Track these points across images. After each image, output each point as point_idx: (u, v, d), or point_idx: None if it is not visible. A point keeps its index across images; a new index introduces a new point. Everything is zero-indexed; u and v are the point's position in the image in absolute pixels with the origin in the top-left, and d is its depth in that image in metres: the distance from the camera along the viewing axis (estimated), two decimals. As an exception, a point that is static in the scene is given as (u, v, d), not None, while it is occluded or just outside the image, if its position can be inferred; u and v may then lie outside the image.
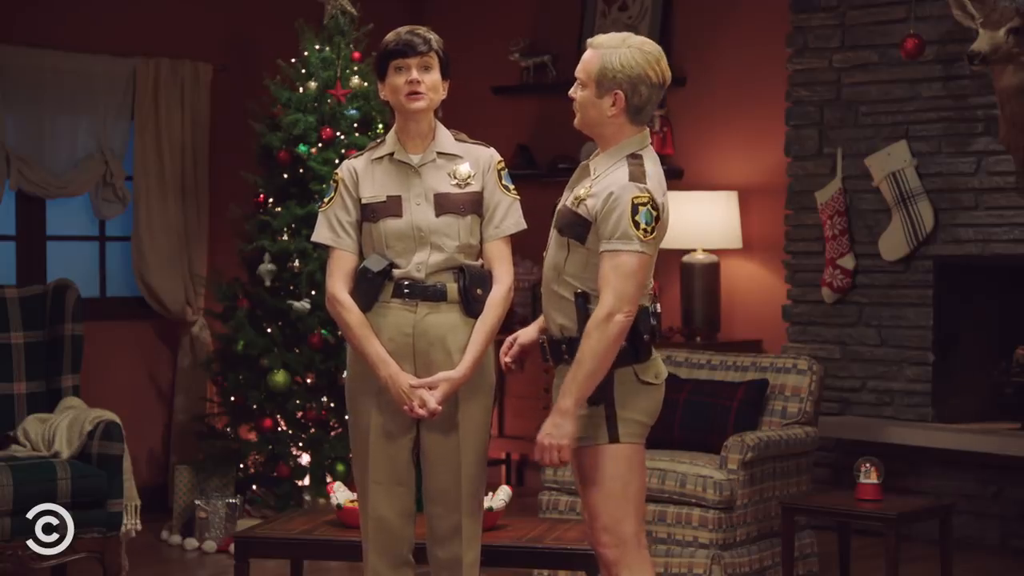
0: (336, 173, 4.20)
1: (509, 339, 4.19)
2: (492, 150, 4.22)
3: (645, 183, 3.84)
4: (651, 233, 3.82)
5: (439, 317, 4.10)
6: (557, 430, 3.83)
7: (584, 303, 3.88)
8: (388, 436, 4.13)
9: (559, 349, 3.94)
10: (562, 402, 3.84)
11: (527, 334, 4.17)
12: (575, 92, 3.96)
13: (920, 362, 7.02)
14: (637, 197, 3.81)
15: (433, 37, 4.15)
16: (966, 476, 6.88)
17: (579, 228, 3.88)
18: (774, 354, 6.83)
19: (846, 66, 7.26)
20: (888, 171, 7.02)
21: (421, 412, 4.05)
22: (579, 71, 3.94)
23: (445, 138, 4.19)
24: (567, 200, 3.97)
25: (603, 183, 3.88)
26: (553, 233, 3.98)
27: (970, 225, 6.88)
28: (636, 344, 3.88)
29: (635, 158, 3.90)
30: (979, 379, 7.00)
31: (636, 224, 3.80)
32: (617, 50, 3.88)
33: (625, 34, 3.95)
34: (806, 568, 6.09)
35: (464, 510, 4.13)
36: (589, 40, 3.99)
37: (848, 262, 7.20)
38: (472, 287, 4.10)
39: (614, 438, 3.90)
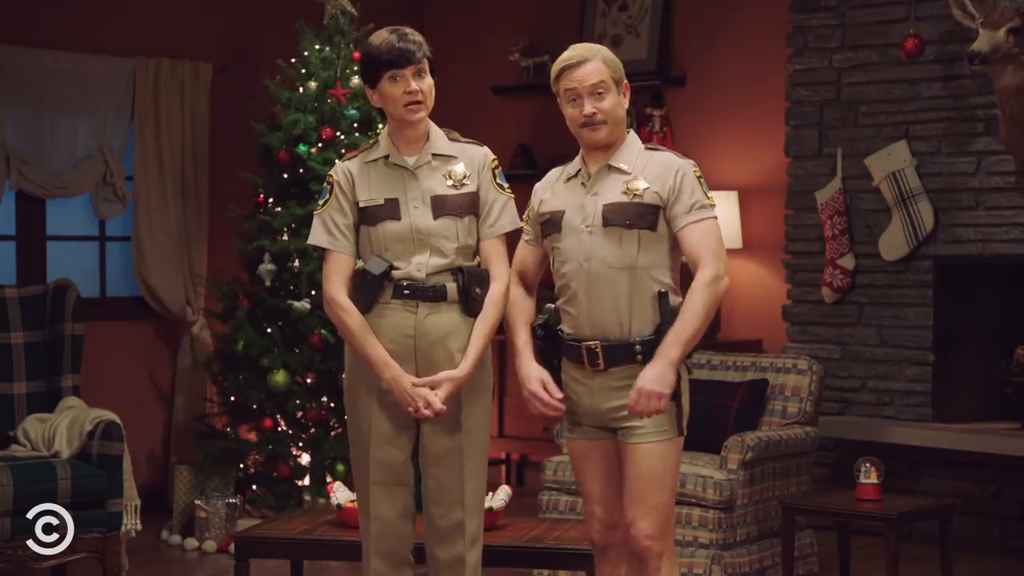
0: (330, 175, 4.19)
1: (538, 387, 4.08)
2: (485, 149, 4.23)
3: (690, 159, 4.11)
4: (713, 199, 4.07)
5: (440, 317, 4.10)
6: (662, 379, 3.94)
7: (666, 302, 4.01)
8: (388, 437, 4.13)
9: (629, 350, 4.00)
10: (671, 352, 3.95)
11: (539, 370, 4.12)
12: (596, 104, 4.03)
13: (920, 362, 7.02)
14: (695, 169, 4.07)
15: (421, 39, 4.13)
16: (966, 476, 6.88)
17: (651, 216, 4.02)
18: (774, 354, 6.83)
19: (846, 66, 7.26)
20: (888, 171, 7.02)
21: (426, 413, 4.06)
22: (600, 80, 4.03)
23: (439, 139, 4.19)
24: (610, 198, 4.03)
25: (654, 171, 4.05)
26: (610, 232, 4.02)
27: (970, 225, 6.88)
28: None
29: (654, 145, 4.15)
30: (979, 379, 7.00)
31: (705, 194, 4.04)
32: (602, 52, 4.10)
33: (584, 43, 4.19)
34: (806, 568, 6.09)
35: (467, 509, 4.14)
36: (573, 59, 4.06)
37: (848, 262, 7.20)
38: (471, 286, 4.11)
39: (681, 430, 4.10)
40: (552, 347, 4.14)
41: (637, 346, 4.00)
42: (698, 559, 5.78)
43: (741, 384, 6.21)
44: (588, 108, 4.03)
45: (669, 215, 4.01)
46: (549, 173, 4.27)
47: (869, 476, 5.56)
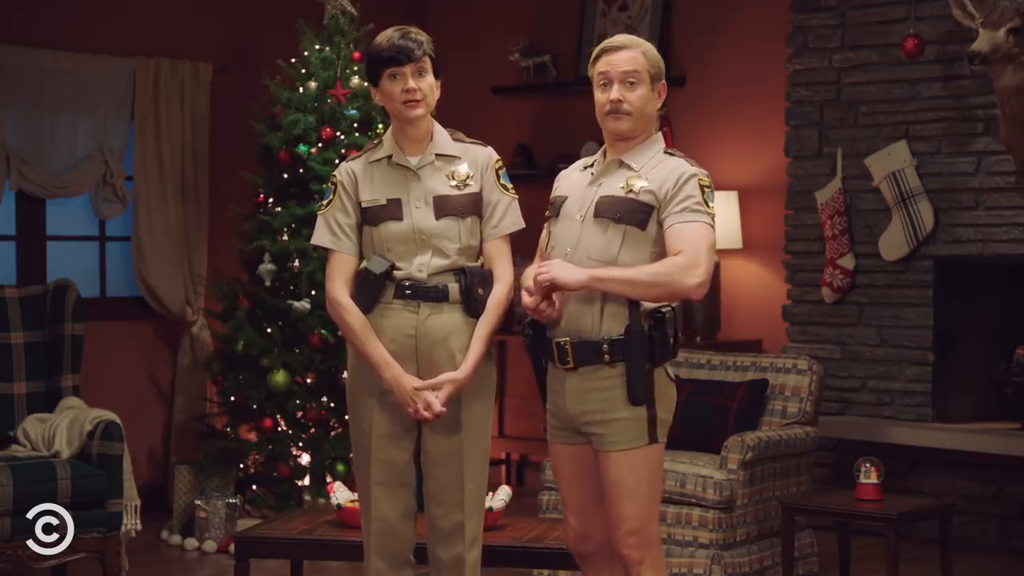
0: (334, 175, 4.20)
1: (534, 287, 4.00)
2: (490, 149, 4.22)
3: (704, 170, 4.00)
4: (714, 211, 3.96)
5: (442, 318, 4.10)
6: (569, 272, 3.87)
7: (636, 306, 3.91)
8: (390, 437, 4.13)
9: (598, 349, 3.93)
10: (598, 271, 3.87)
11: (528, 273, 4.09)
12: (625, 93, 3.96)
13: (920, 362, 7.02)
14: (703, 180, 3.95)
15: (424, 39, 4.12)
16: (966, 476, 6.88)
17: (642, 215, 3.94)
18: (774, 354, 6.82)
19: (846, 66, 7.26)
20: (888, 171, 7.02)
21: (426, 414, 4.06)
22: (633, 70, 3.96)
23: (443, 139, 4.18)
24: (608, 191, 3.97)
25: (660, 173, 3.96)
26: (599, 223, 3.97)
27: (970, 225, 6.88)
28: (671, 341, 3.96)
29: (674, 151, 4.04)
30: (979, 379, 7.00)
31: (707, 203, 3.93)
32: (644, 45, 4.02)
33: (633, 36, 4.10)
34: (806, 568, 6.09)
35: (467, 510, 4.14)
36: (613, 43, 4.01)
37: (848, 262, 7.20)
38: (473, 287, 4.11)
39: (654, 439, 3.95)
40: (541, 346, 4.09)
41: (605, 345, 3.92)
42: (698, 559, 5.78)
43: (741, 384, 6.21)
44: (615, 94, 3.96)
45: (661, 215, 3.93)
46: (578, 161, 4.20)
47: (869, 476, 5.56)
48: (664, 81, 4.03)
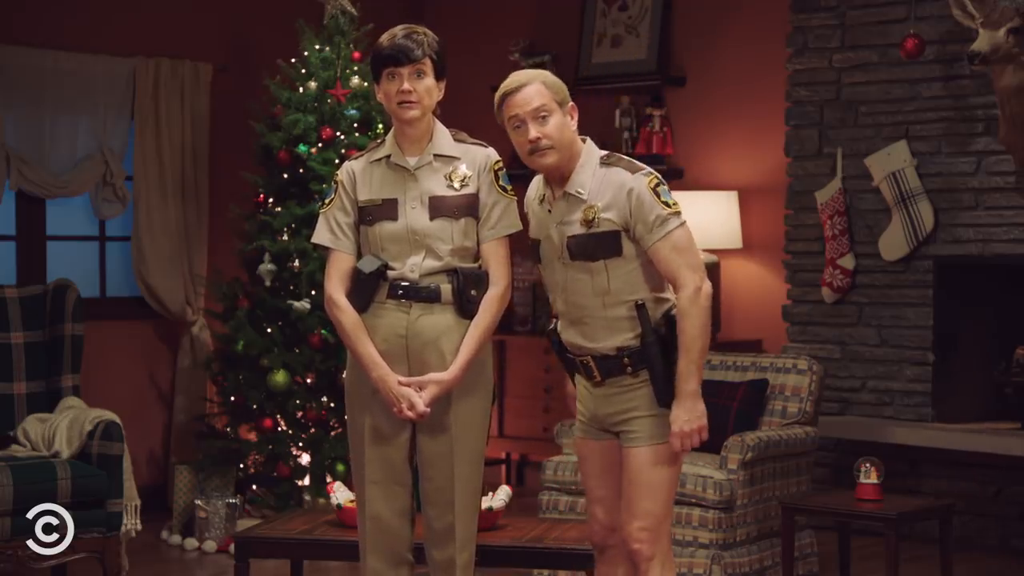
0: (336, 174, 4.22)
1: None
2: (490, 150, 4.22)
3: (645, 167, 4.02)
4: (676, 204, 3.98)
5: (433, 318, 4.10)
6: (693, 413, 3.96)
7: (645, 312, 3.98)
8: (383, 436, 4.14)
9: (619, 363, 4.01)
10: (688, 386, 3.95)
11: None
12: (541, 129, 3.98)
13: (920, 362, 7.02)
14: (650, 181, 3.98)
15: (427, 40, 4.13)
16: (966, 476, 6.88)
17: (612, 242, 3.99)
18: (774, 354, 6.82)
19: (846, 66, 7.26)
20: (888, 171, 7.02)
21: (409, 414, 4.06)
22: (540, 103, 3.98)
23: (443, 139, 4.18)
24: (572, 230, 4.01)
25: (608, 193, 3.98)
26: (578, 267, 4.02)
27: (970, 225, 6.88)
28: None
29: (609, 157, 4.05)
30: (979, 379, 7.00)
31: (665, 204, 3.95)
32: (542, 75, 4.05)
33: (524, 70, 4.15)
34: (806, 568, 6.09)
35: (457, 511, 4.13)
36: (511, 85, 4.02)
37: (848, 262, 7.20)
38: (466, 288, 4.11)
39: None
40: (567, 358, 4.18)
41: (625, 358, 4.01)
42: (698, 559, 5.78)
43: (741, 384, 6.21)
44: (532, 133, 3.98)
45: (635, 236, 3.97)
46: (532, 182, 4.21)
47: (869, 476, 5.56)
48: (572, 102, 4.05)
